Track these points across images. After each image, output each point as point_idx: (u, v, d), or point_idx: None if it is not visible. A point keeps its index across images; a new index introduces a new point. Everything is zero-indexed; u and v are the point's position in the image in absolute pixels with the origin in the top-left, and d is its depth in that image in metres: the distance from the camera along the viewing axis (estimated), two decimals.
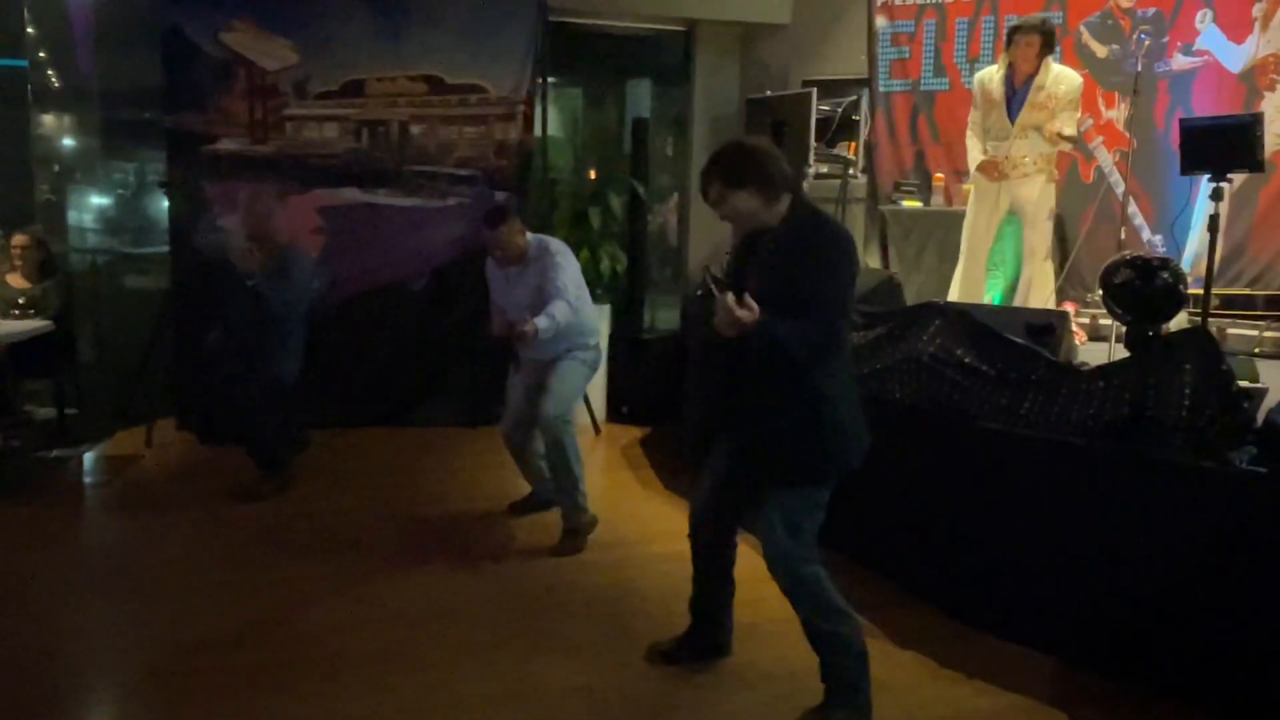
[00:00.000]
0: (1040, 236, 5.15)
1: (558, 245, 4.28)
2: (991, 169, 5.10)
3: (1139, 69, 5.23)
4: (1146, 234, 5.65)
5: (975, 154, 5.23)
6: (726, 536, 3.06)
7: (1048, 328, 3.93)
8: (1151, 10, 5.61)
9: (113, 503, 4.81)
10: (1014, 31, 5.02)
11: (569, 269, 4.19)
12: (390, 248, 6.08)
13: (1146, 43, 5.34)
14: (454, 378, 6.17)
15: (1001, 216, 5.22)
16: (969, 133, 5.30)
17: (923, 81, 6.32)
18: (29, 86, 6.55)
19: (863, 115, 6.54)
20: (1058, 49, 5.72)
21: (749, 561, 3.06)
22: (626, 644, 3.29)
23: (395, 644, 3.27)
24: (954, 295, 5.28)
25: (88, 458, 5.38)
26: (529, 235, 4.27)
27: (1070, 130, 4.99)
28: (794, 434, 2.64)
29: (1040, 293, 5.16)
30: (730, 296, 2.45)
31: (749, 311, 2.44)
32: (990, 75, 5.17)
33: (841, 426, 2.66)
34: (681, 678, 3.09)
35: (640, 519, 4.57)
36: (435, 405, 6.16)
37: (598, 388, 6.25)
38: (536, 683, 3.05)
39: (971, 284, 5.31)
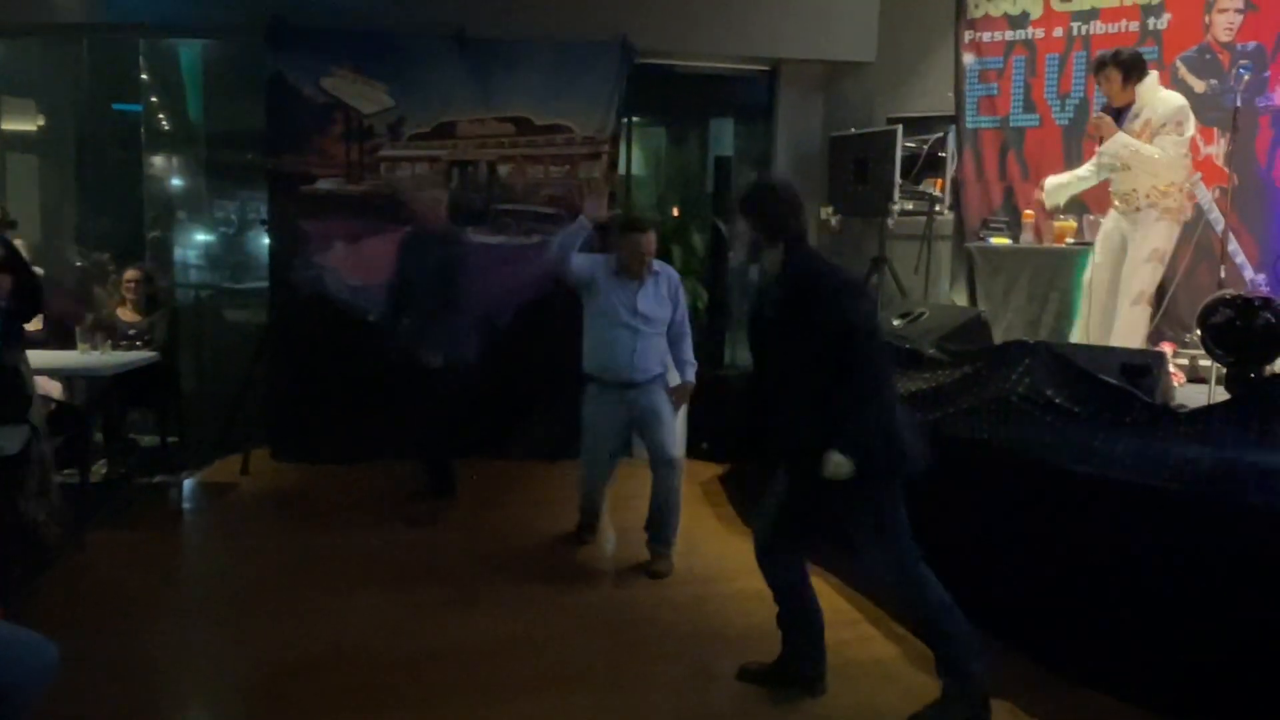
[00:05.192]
0: (1138, 278, 4.89)
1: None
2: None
3: (1239, 104, 5.09)
4: (1249, 272, 5.43)
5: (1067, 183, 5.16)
6: (790, 559, 3.16)
7: (1144, 368, 3.82)
8: (1252, 44, 5.44)
9: (211, 527, 5.01)
10: (1092, 73, 5.02)
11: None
12: (476, 285, 6.20)
13: (1246, 77, 5.19)
14: (537, 413, 6.25)
15: (1119, 252, 5.01)
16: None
17: (1012, 118, 6.24)
18: (143, 130, 6.95)
19: (949, 152, 6.48)
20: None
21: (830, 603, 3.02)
22: (704, 680, 3.28)
23: (479, 674, 3.31)
24: (1077, 336, 5.14)
25: (188, 484, 5.58)
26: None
27: (1159, 154, 4.73)
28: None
29: (1130, 338, 4.97)
30: None
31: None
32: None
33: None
34: (764, 717, 3.06)
35: (720, 556, 4.55)
36: (518, 439, 6.24)
37: (679, 422, 6.25)
38: (614, 717, 3.06)
39: (1095, 324, 5.10)
